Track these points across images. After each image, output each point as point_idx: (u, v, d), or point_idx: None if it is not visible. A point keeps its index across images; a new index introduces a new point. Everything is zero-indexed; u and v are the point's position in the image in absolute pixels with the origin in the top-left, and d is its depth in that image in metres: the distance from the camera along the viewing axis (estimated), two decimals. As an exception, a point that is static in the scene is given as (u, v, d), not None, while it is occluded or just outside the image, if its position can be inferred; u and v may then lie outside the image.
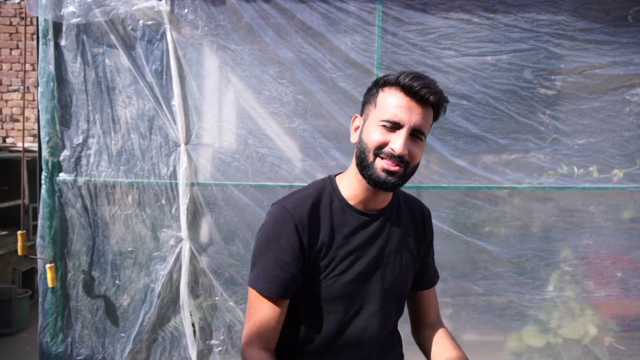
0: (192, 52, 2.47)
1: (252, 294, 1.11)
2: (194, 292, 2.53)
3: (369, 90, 1.15)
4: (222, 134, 2.51)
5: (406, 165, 1.07)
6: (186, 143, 2.48)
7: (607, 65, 2.50)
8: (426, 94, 1.05)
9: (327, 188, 1.17)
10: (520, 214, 2.55)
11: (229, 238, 2.51)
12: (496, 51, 2.47)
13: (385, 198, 1.18)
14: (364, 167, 1.10)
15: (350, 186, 1.16)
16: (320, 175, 2.47)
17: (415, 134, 1.07)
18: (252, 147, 2.49)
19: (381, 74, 2.45)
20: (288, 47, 2.45)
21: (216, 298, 2.54)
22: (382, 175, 1.07)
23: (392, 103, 1.06)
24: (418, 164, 1.12)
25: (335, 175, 1.22)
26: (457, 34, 2.46)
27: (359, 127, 1.16)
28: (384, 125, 1.06)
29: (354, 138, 1.17)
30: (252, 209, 2.48)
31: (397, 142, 1.05)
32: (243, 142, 2.49)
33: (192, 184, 2.48)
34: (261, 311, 1.09)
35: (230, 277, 2.52)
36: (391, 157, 1.05)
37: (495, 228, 2.54)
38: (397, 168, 1.07)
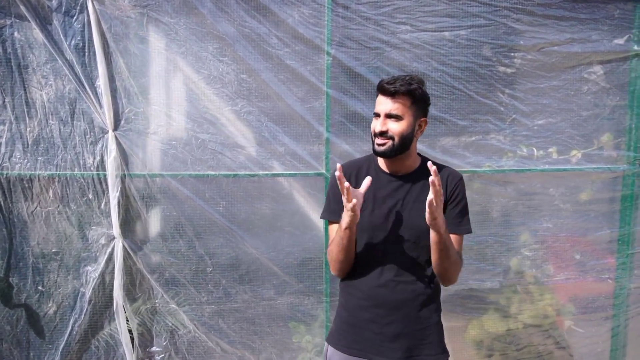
0: (119, 25, 2.17)
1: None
2: (130, 295, 2.27)
3: None
4: (156, 118, 2.24)
5: (392, 138, 1.53)
6: (115, 129, 2.20)
7: (566, 42, 2.41)
8: (388, 88, 1.51)
9: (370, 159, 1.67)
10: (481, 199, 2.44)
11: (168, 234, 2.26)
12: (454, 26, 2.32)
13: (405, 165, 1.61)
14: (372, 145, 1.59)
15: (382, 159, 1.64)
16: (269, 163, 2.27)
17: (391, 117, 1.53)
18: (191, 133, 2.24)
19: (332, 51, 2.25)
20: (229, 21, 2.20)
21: (156, 301, 2.30)
22: (377, 148, 1.56)
23: (377, 102, 1.57)
24: (406, 135, 1.54)
25: None
26: (413, 7, 2.28)
27: None
28: (375, 118, 1.58)
29: None
30: (193, 202, 2.24)
31: (376, 125, 1.56)
32: (181, 128, 2.24)
33: (124, 175, 2.21)
34: (332, 232, 1.62)
35: (171, 277, 2.28)
36: (376, 135, 1.55)
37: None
38: (383, 141, 1.54)
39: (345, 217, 1.46)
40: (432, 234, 1.47)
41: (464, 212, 1.63)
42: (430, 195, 1.36)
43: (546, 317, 2.63)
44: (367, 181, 1.50)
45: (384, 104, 1.53)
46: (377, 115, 1.55)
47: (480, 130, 2.39)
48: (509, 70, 2.39)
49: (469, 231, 1.65)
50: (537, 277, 2.56)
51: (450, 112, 2.34)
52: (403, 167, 1.61)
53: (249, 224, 2.29)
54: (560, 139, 2.47)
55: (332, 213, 1.64)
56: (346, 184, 1.40)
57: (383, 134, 1.52)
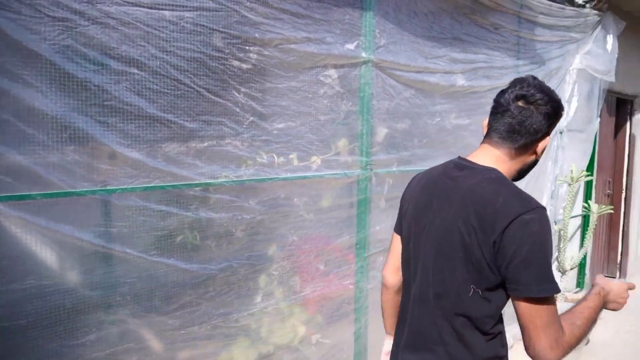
0: None
1: None
2: None
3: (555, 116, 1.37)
4: None
5: None
6: None
7: (303, 40, 2.24)
8: None
9: None
10: (220, 217, 2.06)
11: None
12: (176, 5, 1.85)
13: None
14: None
15: None
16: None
17: None
18: None
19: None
20: None
21: None
22: None
23: None
24: None
25: None
26: (117, -30, 1.71)
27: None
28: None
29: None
30: None
31: None
32: None
33: None
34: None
35: None
36: None
37: (189, 238, 1.97)
38: None
39: None
40: None
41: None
42: None
43: (296, 335, 2.47)
44: None
45: None
46: None
47: (214, 135, 2.00)
48: (244, 66, 2.07)
49: None
50: (286, 294, 2.36)
51: (175, 111, 1.87)
52: None
53: None
54: (300, 145, 2.30)
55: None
56: None
57: None
